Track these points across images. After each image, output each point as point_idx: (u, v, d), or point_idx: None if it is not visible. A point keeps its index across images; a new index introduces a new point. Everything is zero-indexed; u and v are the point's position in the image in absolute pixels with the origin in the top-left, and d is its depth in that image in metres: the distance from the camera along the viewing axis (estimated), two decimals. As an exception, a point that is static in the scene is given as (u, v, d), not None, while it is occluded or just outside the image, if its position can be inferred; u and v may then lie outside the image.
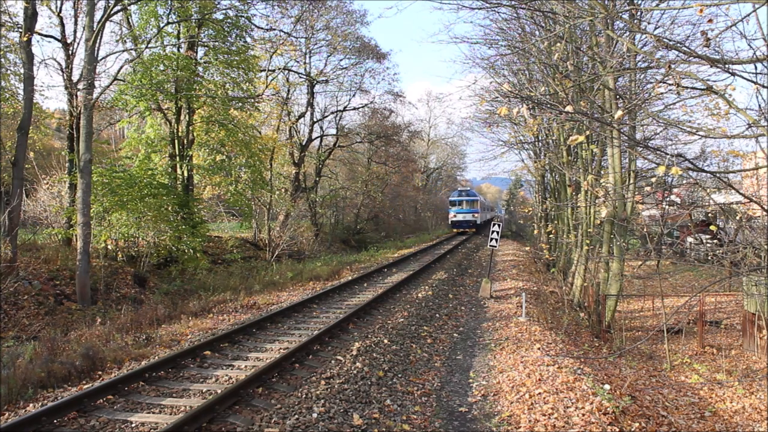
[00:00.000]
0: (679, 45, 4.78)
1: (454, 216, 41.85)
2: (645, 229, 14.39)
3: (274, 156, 26.63)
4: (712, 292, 13.64)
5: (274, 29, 25.41)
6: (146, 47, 16.79)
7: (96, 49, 13.11)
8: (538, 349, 8.83)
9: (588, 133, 8.53)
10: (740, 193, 5.23)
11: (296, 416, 5.96)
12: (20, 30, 13.24)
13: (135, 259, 15.75)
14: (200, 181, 21.08)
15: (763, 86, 4.17)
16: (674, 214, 15.65)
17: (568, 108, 5.43)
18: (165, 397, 6.57)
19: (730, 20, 4.35)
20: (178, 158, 18.60)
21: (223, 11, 19.24)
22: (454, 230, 42.04)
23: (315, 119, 31.62)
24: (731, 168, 11.56)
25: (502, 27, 15.72)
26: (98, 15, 13.46)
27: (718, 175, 5.00)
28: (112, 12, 14.07)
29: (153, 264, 16.12)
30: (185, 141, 18.83)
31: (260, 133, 25.87)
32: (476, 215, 41.45)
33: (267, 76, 26.68)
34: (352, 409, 6.30)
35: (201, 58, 19.56)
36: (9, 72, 14.55)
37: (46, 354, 7.64)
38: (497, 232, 15.17)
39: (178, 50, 18.42)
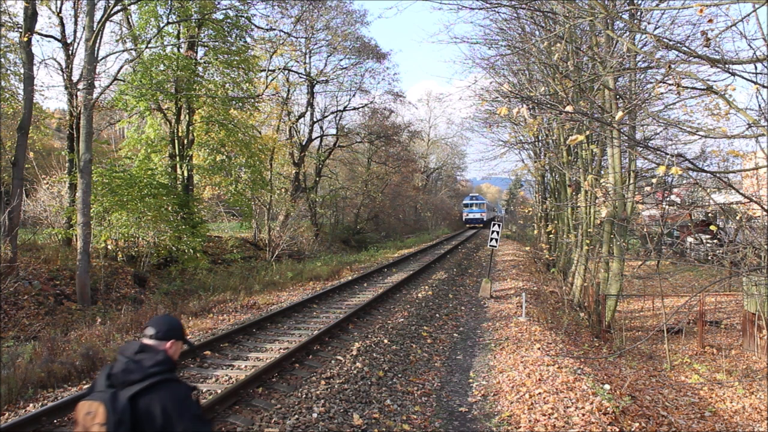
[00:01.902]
0: (679, 45, 4.78)
1: (467, 215, 56.63)
2: (645, 229, 14.38)
3: (274, 156, 26.61)
4: (712, 292, 13.63)
5: (274, 29, 25.41)
6: (146, 47, 16.79)
7: (96, 49, 13.11)
8: (538, 349, 8.82)
9: (588, 133, 8.53)
10: (740, 193, 5.23)
11: (296, 416, 5.96)
12: (20, 30, 13.24)
13: (135, 259, 15.75)
14: (200, 181, 21.07)
15: (763, 86, 4.17)
16: (674, 214, 15.65)
17: (568, 108, 5.43)
18: (165, 397, 6.56)
19: (730, 20, 4.35)
20: (178, 158, 18.59)
21: (223, 11, 19.25)
22: (467, 225, 55.80)
23: (315, 119, 31.63)
24: (731, 168, 11.56)
25: (502, 27, 15.71)
26: (98, 15, 13.46)
27: (718, 175, 4.99)
28: (112, 12, 14.06)
29: (153, 264, 16.12)
30: (185, 141, 18.82)
31: (260, 133, 25.85)
32: (483, 214, 56.11)
33: (267, 76, 26.66)
34: (352, 409, 6.30)
35: (201, 58, 19.55)
36: (9, 72, 14.56)
37: (46, 354, 7.64)
38: (497, 232, 15.18)
39: (178, 50, 18.41)
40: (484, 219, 55.63)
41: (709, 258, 14.17)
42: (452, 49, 78.86)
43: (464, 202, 59.82)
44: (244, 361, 8.03)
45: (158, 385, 2.16)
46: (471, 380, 7.65)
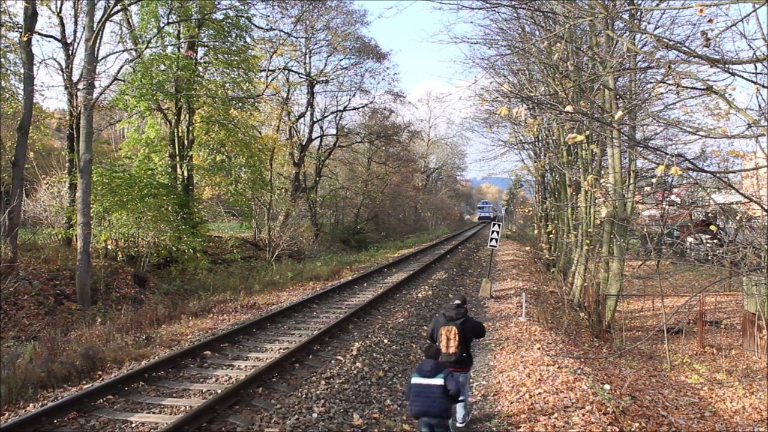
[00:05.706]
0: (679, 45, 4.78)
1: (480, 214, 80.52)
2: (645, 229, 14.39)
3: (274, 156, 26.61)
4: (712, 292, 13.63)
5: (274, 29, 25.41)
6: (146, 47, 16.78)
7: (96, 49, 13.11)
8: (538, 349, 8.83)
9: (588, 133, 8.53)
10: (740, 193, 5.23)
11: (296, 416, 5.96)
12: (20, 30, 13.24)
13: (135, 259, 15.75)
14: (200, 181, 21.07)
15: (763, 86, 4.17)
16: (674, 214, 15.66)
17: (568, 108, 5.43)
18: (165, 397, 6.57)
19: (730, 20, 4.35)
20: (178, 158, 18.59)
21: (223, 11, 19.26)
22: (480, 221, 77.00)
23: (315, 119, 31.60)
24: (731, 168, 11.54)
25: (502, 27, 15.72)
26: (98, 15, 13.46)
27: (718, 175, 4.99)
28: (112, 12, 14.06)
29: (153, 264, 16.11)
30: (185, 141, 18.82)
31: (260, 133, 25.84)
32: (490, 213, 77.84)
33: (267, 76, 26.66)
34: (352, 409, 6.30)
35: (201, 58, 19.56)
36: (9, 72, 14.56)
37: (46, 354, 7.64)
38: (497, 232, 15.19)
39: (179, 50, 18.41)
40: (491, 216, 76.83)
41: (709, 258, 14.17)
42: (452, 49, 79.08)
43: (478, 205, 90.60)
44: (244, 361, 8.03)
45: (468, 319, 5.89)
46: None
